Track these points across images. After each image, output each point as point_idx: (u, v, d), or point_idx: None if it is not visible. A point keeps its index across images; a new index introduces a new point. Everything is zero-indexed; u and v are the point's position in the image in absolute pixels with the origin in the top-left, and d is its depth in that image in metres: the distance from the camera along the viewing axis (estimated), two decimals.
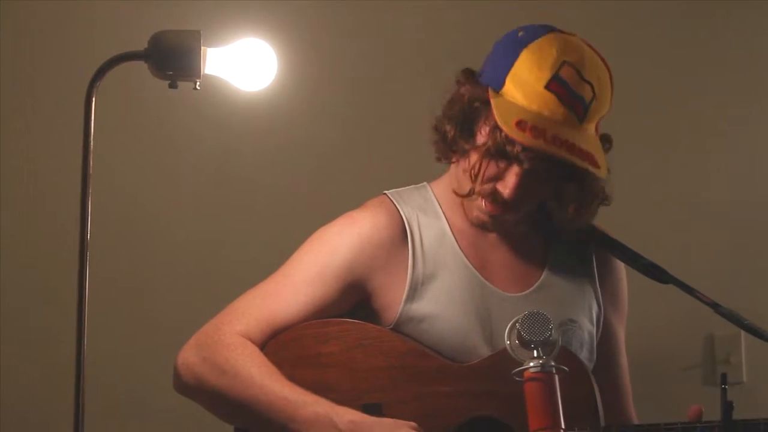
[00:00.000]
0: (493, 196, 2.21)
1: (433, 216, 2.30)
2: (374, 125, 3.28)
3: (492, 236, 2.31)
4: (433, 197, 2.33)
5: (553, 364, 1.96)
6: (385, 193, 2.34)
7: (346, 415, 2.10)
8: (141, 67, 2.11)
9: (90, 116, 2.05)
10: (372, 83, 3.28)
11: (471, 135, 2.22)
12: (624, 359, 2.39)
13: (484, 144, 2.18)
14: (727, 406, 1.93)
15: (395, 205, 2.30)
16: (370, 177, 3.18)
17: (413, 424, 2.08)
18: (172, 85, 2.12)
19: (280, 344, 2.22)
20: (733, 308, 2.18)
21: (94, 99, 2.05)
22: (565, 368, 1.97)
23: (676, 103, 3.36)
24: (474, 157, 2.20)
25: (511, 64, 2.19)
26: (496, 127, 2.16)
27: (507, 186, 2.19)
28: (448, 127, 2.24)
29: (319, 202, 3.16)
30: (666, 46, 3.36)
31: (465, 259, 2.27)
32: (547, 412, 1.92)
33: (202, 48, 2.10)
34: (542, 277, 2.30)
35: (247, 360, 2.17)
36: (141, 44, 2.11)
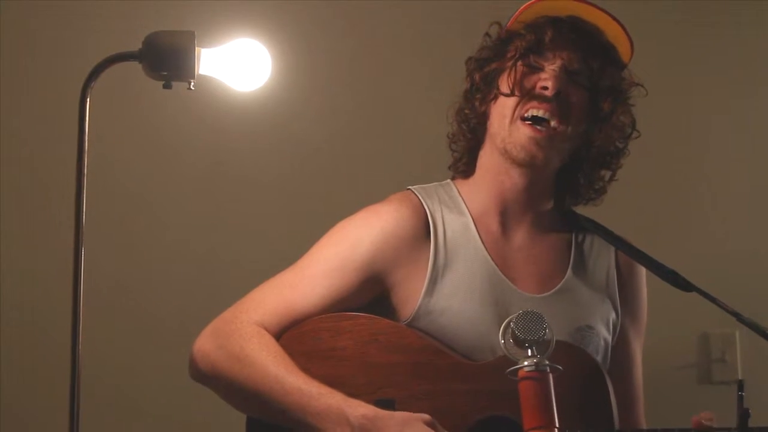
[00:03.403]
0: (537, 97, 2.23)
1: (458, 212, 2.30)
2: (369, 125, 3.28)
3: (516, 237, 2.31)
4: (457, 194, 2.34)
5: (547, 363, 1.96)
6: (409, 188, 2.34)
7: (358, 408, 2.08)
8: (135, 67, 2.11)
9: (84, 116, 2.04)
10: (366, 83, 3.29)
11: (501, 57, 2.30)
12: (637, 371, 2.37)
13: (515, 51, 2.27)
14: (744, 414, 1.91)
15: (420, 199, 2.30)
16: (364, 176, 3.19)
17: (426, 416, 2.06)
18: (167, 86, 2.12)
19: (295, 337, 2.21)
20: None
21: (88, 99, 2.05)
22: (560, 367, 1.97)
23: (681, 109, 3.37)
24: (506, 73, 2.27)
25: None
26: (522, 32, 2.27)
27: (549, 79, 2.23)
28: (476, 76, 2.32)
29: (314, 201, 3.17)
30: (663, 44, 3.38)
31: (487, 255, 2.27)
32: (541, 411, 1.92)
33: (196, 48, 2.10)
34: (564, 281, 2.30)
35: (263, 350, 2.17)
36: (135, 45, 2.11)
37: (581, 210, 2.40)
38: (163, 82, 2.11)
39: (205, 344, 2.21)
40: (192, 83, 2.12)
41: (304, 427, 2.11)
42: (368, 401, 2.11)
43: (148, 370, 3.11)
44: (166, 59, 2.09)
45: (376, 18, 3.31)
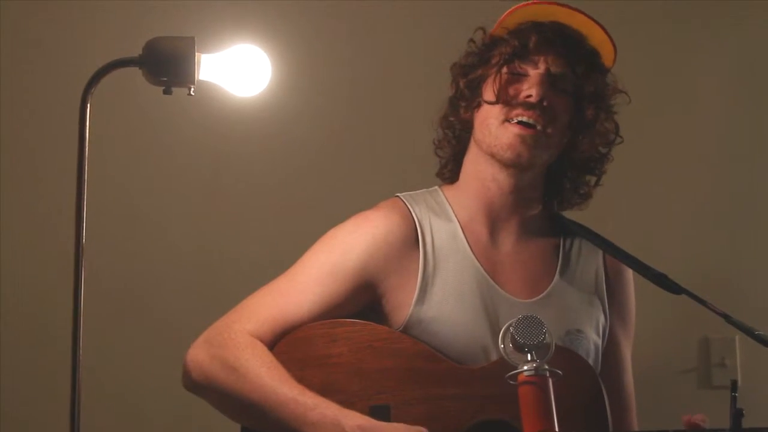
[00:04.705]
0: (521, 104, 2.24)
1: (445, 219, 2.31)
2: (368, 131, 3.28)
3: (504, 242, 2.31)
4: (445, 200, 2.34)
5: (546, 367, 1.96)
6: (397, 196, 2.34)
7: (354, 418, 2.08)
8: (136, 73, 2.12)
9: (85, 122, 2.05)
10: (365, 89, 3.29)
11: (485, 63, 2.30)
12: (628, 375, 2.38)
13: (500, 57, 2.27)
14: (737, 414, 1.92)
15: (408, 206, 2.31)
16: (363, 182, 3.19)
17: (423, 429, 2.06)
18: (167, 91, 2.12)
19: (289, 344, 2.21)
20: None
21: (89, 105, 2.05)
22: (559, 371, 1.97)
23: (677, 105, 3.37)
24: (490, 80, 2.28)
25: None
26: (507, 37, 2.28)
27: (533, 86, 2.24)
28: (460, 83, 2.33)
29: (313, 206, 3.17)
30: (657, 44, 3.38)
31: (476, 262, 2.27)
32: (540, 415, 1.92)
33: (196, 54, 2.10)
34: (552, 285, 2.31)
35: (257, 360, 2.16)
36: (136, 50, 2.11)
37: (569, 214, 2.41)
38: (164, 87, 2.11)
39: (199, 354, 2.20)
40: (192, 89, 2.12)
41: None
42: (363, 407, 2.12)
43: (148, 373, 3.11)
44: (167, 65, 2.09)
45: (375, 23, 3.31)
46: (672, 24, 3.37)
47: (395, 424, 2.08)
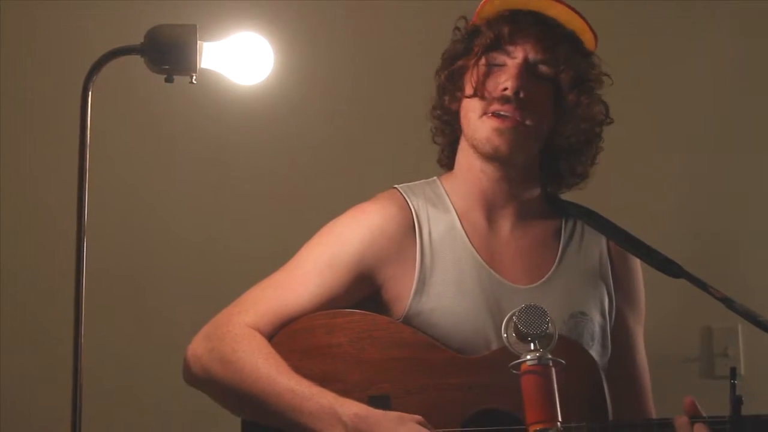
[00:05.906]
0: (498, 98, 2.23)
1: (443, 209, 2.31)
2: (370, 119, 3.28)
3: (503, 230, 2.31)
4: (443, 191, 2.34)
5: (549, 356, 1.96)
6: (395, 187, 2.35)
7: (350, 407, 2.08)
8: (137, 61, 2.12)
9: (86, 110, 2.05)
10: (368, 77, 3.28)
11: (467, 53, 2.30)
12: (640, 356, 2.37)
13: (478, 48, 2.27)
14: (737, 401, 1.92)
15: (405, 198, 2.31)
16: (365, 171, 3.19)
17: (418, 417, 2.06)
18: (169, 79, 2.12)
19: (289, 334, 2.21)
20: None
21: (90, 93, 2.06)
22: (562, 361, 1.97)
23: (674, 95, 3.36)
24: (470, 72, 2.28)
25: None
26: (483, 29, 2.27)
27: (509, 78, 2.23)
28: (442, 75, 2.34)
29: (315, 195, 3.17)
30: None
31: (474, 251, 2.27)
32: (543, 404, 1.92)
33: (198, 42, 2.11)
34: (552, 270, 2.30)
35: (254, 352, 2.16)
36: (137, 38, 2.11)
37: (574, 196, 2.41)
38: (165, 75, 2.12)
39: (198, 348, 2.22)
40: (194, 77, 2.13)
41: (298, 427, 2.11)
42: (362, 397, 2.12)
43: (150, 368, 3.11)
44: (168, 53, 2.10)
45: (377, 11, 3.31)
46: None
47: (391, 412, 2.08)
